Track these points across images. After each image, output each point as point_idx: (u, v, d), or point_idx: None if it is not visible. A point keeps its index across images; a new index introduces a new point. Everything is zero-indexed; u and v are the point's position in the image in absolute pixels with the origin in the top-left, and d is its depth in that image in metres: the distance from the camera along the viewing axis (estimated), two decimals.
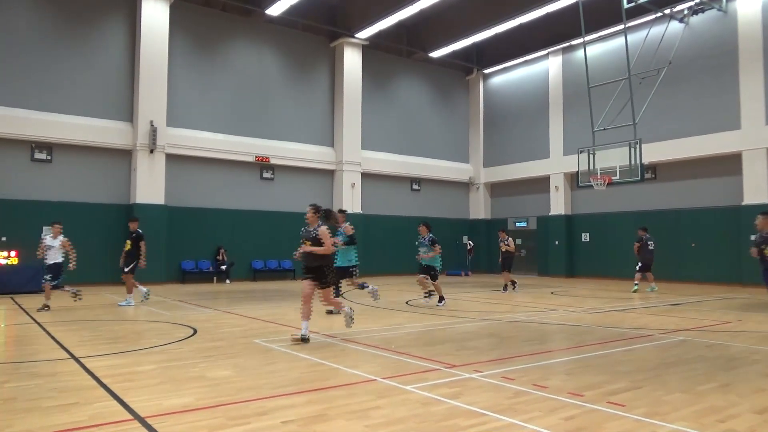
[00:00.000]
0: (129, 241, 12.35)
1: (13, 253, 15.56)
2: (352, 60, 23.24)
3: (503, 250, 16.00)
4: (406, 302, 13.15)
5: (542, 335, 8.62)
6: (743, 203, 18.08)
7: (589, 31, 19.37)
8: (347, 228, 11.12)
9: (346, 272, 11.19)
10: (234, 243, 20.34)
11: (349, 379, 5.54)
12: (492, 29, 22.29)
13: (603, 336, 8.24)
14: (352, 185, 23.05)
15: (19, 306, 12.03)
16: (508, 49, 25.11)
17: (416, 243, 12.98)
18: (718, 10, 18.89)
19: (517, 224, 26.11)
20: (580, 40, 19.88)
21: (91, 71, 18.16)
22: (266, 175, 21.56)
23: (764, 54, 17.80)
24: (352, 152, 23.12)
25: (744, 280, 17.62)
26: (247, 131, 21.03)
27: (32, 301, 12.82)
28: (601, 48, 21.93)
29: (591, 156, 17.29)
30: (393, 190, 25.11)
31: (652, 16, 19.67)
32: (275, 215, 21.49)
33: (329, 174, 23.22)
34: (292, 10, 20.18)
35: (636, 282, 15.90)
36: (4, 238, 16.22)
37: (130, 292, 12.34)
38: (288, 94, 22.28)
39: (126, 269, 12.26)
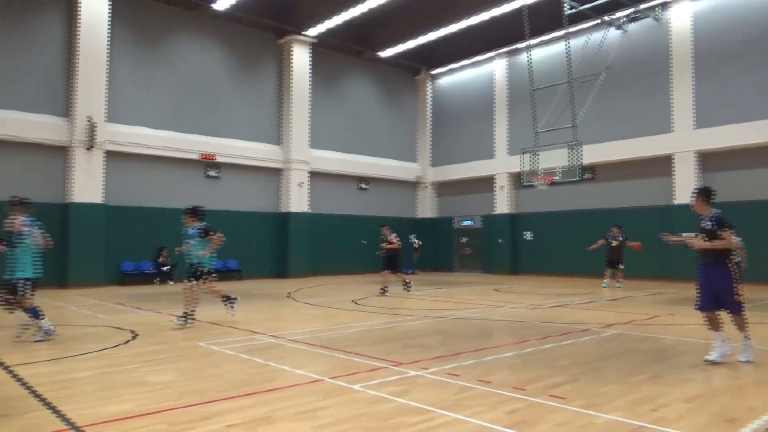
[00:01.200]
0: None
1: None
2: (300, 58, 23.02)
3: (385, 248, 14.56)
4: (353, 301, 13.16)
5: (486, 331, 8.82)
6: (674, 203, 19.04)
7: (533, 36, 19.90)
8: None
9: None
10: (177, 243, 19.65)
11: (296, 379, 5.51)
12: (440, 31, 22.58)
13: (544, 331, 8.51)
14: (300, 184, 22.85)
15: None
16: (456, 50, 25.50)
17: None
18: (653, 19, 19.81)
19: (463, 223, 26.57)
20: (524, 44, 20.40)
21: (25, 63, 17.21)
22: (212, 173, 21.06)
23: (694, 61, 18.79)
24: (300, 151, 22.92)
25: (674, 276, 18.56)
26: (192, 128, 20.48)
27: None
28: (544, 52, 22.59)
29: (534, 157, 17.82)
30: (341, 189, 25.06)
31: (592, 23, 20.43)
32: (221, 214, 20.99)
33: (277, 172, 22.94)
34: (239, 6, 19.79)
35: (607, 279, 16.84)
36: None
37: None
38: (235, 90, 21.85)
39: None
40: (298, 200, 22.74)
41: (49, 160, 17.61)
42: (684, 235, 6.63)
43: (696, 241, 6.24)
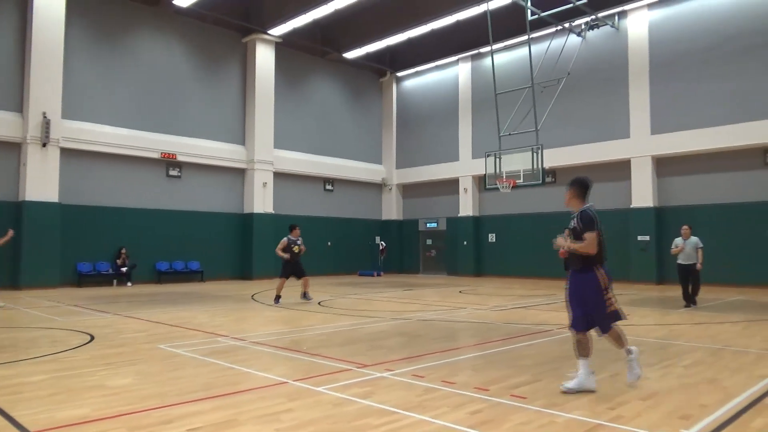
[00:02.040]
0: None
1: None
2: (264, 57, 22.79)
3: (297, 252, 13.09)
4: (318, 303, 13.10)
5: (451, 333, 8.90)
6: (631, 206, 19.61)
7: (496, 40, 20.22)
8: None
9: None
10: (137, 243, 19.30)
11: (260, 382, 5.44)
12: (405, 33, 22.72)
13: (507, 332, 8.64)
14: (264, 184, 22.61)
15: None
16: (421, 53, 25.68)
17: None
18: (611, 26, 20.37)
19: (428, 225, 26.76)
20: (487, 49, 20.69)
21: None
22: (173, 172, 20.64)
23: (650, 69, 19.41)
24: (264, 151, 22.68)
25: (631, 277, 19.11)
26: (153, 126, 20.03)
27: None
28: (507, 57, 22.96)
29: (497, 160, 18.08)
30: (306, 190, 24.90)
31: (554, 29, 20.88)
32: (182, 215, 20.65)
33: (240, 173, 22.64)
34: (202, 3, 19.48)
35: None
36: None
37: None
38: (197, 89, 21.47)
39: None
40: (262, 201, 22.50)
41: (1, 156, 16.96)
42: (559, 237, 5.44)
43: (560, 239, 5.34)
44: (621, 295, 15.17)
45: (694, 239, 11.71)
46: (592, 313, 5.10)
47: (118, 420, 4.22)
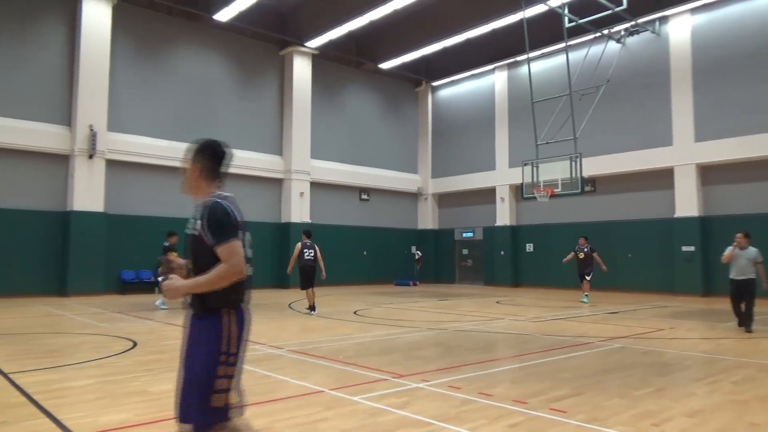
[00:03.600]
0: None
1: None
2: (301, 69, 23.14)
3: (305, 258, 12.59)
4: (354, 312, 13.11)
5: (488, 344, 8.78)
6: (675, 216, 19.04)
7: (533, 48, 20.03)
8: None
9: None
10: (178, 252, 19.70)
11: (297, 391, 5.47)
12: (440, 43, 22.73)
13: (546, 344, 8.46)
14: (301, 194, 22.87)
15: None
16: (456, 62, 25.64)
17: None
18: (652, 32, 19.93)
19: (464, 234, 26.56)
20: (524, 57, 20.51)
21: (27, 72, 17.30)
22: None
23: (693, 75, 18.88)
24: (301, 161, 22.96)
25: (676, 289, 18.52)
26: (192, 138, 20.14)
27: None
28: (544, 64, 22.70)
29: (534, 169, 17.84)
30: (342, 200, 25.07)
31: (592, 36, 20.55)
32: None
33: (278, 183, 22.97)
34: (240, 17, 19.92)
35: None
36: None
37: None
38: (236, 101, 21.93)
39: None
40: (298, 210, 22.75)
41: (51, 168, 17.64)
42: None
43: (174, 266, 3.19)
44: (665, 307, 14.69)
45: (752, 250, 9.95)
46: (186, 394, 2.82)
47: (158, 426, 4.30)
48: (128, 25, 19.18)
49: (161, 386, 5.58)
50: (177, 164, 19.97)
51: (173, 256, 12.40)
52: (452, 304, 15.61)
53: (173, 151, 19.83)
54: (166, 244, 13.64)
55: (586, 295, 15.82)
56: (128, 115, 19.08)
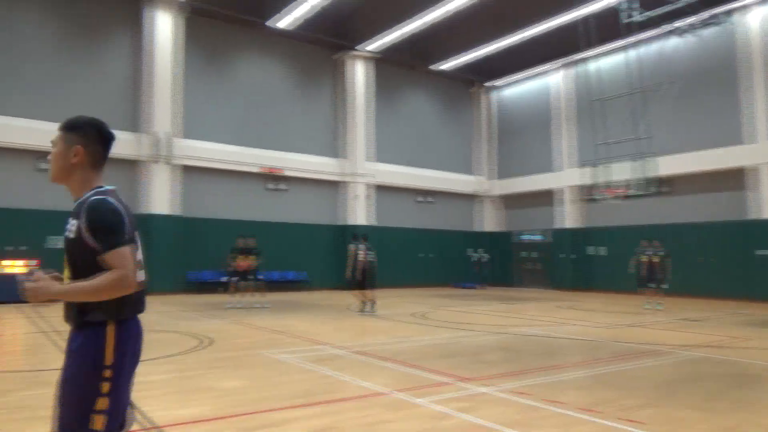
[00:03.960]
0: (253, 256, 14.44)
1: (23, 262, 15.66)
2: (359, 72, 23.40)
3: (369, 260, 13.22)
4: (416, 314, 13.10)
5: (554, 350, 8.55)
6: (753, 217, 17.90)
7: (595, 45, 19.38)
8: None
9: None
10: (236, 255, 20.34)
11: (360, 391, 5.51)
12: (499, 43, 22.38)
13: (616, 351, 8.15)
14: (360, 197, 23.11)
15: (29, 315, 12.10)
16: (516, 62, 25.18)
17: None
18: (721, 25, 18.81)
19: (527, 237, 26.02)
20: (586, 54, 19.90)
21: (102, 83, 18.35)
22: (275, 186, 21.65)
23: (766, 68, 17.69)
24: (361, 164, 23.20)
25: (754, 295, 17.40)
26: (257, 142, 21.16)
27: (44, 310, 12.88)
28: (608, 62, 21.91)
29: (600, 169, 17.24)
30: (402, 202, 25.14)
31: (658, 31, 19.64)
32: (285, 226, 21.55)
33: (338, 186, 23.29)
34: (300, 23, 20.36)
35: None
36: (10, 248, 16.29)
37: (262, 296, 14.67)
38: (297, 105, 22.43)
39: (260, 277, 14.63)
40: (359, 213, 22.99)
41: (126, 174, 18.61)
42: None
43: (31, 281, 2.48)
44: (742, 314, 13.82)
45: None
46: (63, 414, 2.37)
47: (228, 420, 4.45)
48: (196, 34, 20.00)
49: (230, 383, 5.76)
50: (244, 168, 20.75)
51: (236, 259, 12.82)
52: (516, 308, 15.31)
53: (239, 156, 20.57)
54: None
55: (659, 303, 14.98)
56: (197, 121, 19.88)
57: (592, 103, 19.14)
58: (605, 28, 19.86)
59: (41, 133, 16.98)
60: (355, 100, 23.24)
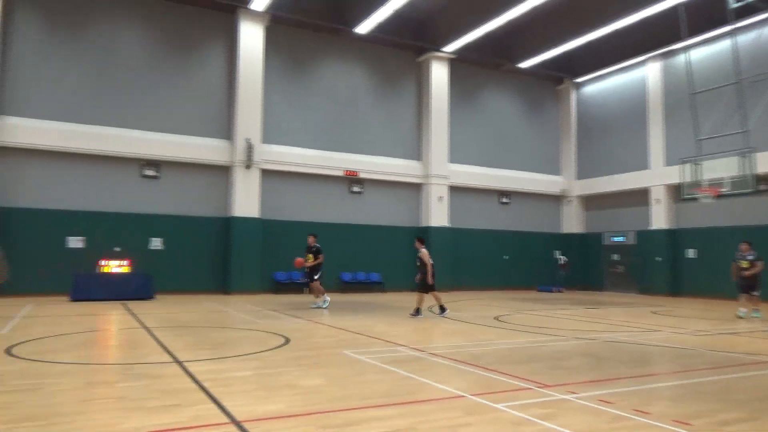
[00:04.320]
0: (311, 255, 14.30)
1: (125, 262, 16.84)
2: (439, 74, 23.31)
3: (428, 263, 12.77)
4: (495, 318, 12.85)
5: (644, 357, 8.10)
6: None
7: (691, 35, 18.21)
8: None
9: None
10: (324, 255, 20.79)
11: (438, 394, 5.47)
12: (584, 37, 21.52)
13: (713, 360, 7.61)
14: (440, 198, 23.00)
15: (130, 311, 12.98)
16: (602, 56, 24.16)
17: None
18: None
19: (614, 239, 24.87)
20: (681, 45, 18.73)
21: (194, 93, 19.45)
22: (355, 188, 22.00)
23: None
24: (440, 165, 23.10)
25: None
26: (337, 146, 21.60)
27: (142, 307, 13.80)
28: (705, 52, 20.55)
29: (696, 166, 16.17)
30: (481, 204, 24.79)
31: (762, 16, 18.16)
32: (364, 228, 21.85)
33: (417, 187, 23.31)
34: (379, 28, 20.56)
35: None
36: (118, 249, 17.63)
37: (318, 296, 14.50)
38: (376, 109, 22.69)
39: (315, 278, 14.31)
40: (438, 215, 22.90)
41: (215, 178, 19.60)
42: None
43: None
44: None
45: None
46: None
47: (308, 418, 4.55)
48: (279, 43, 20.72)
49: (310, 381, 5.90)
50: (326, 172, 21.25)
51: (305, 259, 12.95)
52: (602, 313, 14.67)
53: (320, 160, 21.10)
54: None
55: (756, 310, 13.77)
56: (280, 127, 20.59)
57: (686, 97, 18.01)
58: (704, 16, 18.66)
59: (145, 142, 18.40)
60: (436, 102, 23.18)
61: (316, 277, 14.38)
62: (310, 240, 14.58)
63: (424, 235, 22.74)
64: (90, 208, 17.66)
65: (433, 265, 12.80)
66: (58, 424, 4.30)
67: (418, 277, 13.00)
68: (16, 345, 7.90)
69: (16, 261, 16.54)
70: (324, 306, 14.40)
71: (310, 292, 14.95)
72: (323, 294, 14.55)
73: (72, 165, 17.57)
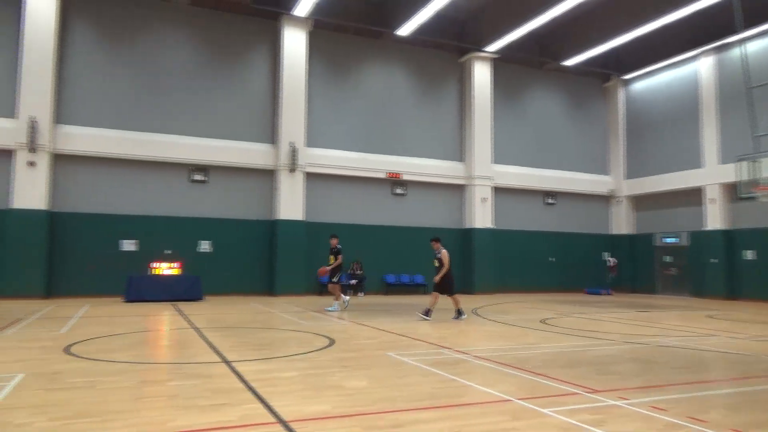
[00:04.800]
0: (332, 256, 14.14)
1: (176, 264, 17.35)
2: (481, 74, 23.09)
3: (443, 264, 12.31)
4: (541, 321, 12.62)
5: (698, 363, 7.80)
6: None
7: (747, 26, 17.44)
8: None
9: None
10: (368, 257, 20.94)
11: (483, 397, 5.41)
12: (632, 32, 20.92)
13: None
14: (484, 200, 22.77)
15: (180, 312, 13.37)
16: (651, 52, 23.43)
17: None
18: None
19: (666, 240, 24.05)
20: (736, 38, 17.97)
21: (240, 99, 19.90)
22: (398, 190, 22.02)
23: None
24: (483, 166, 22.87)
25: None
26: (379, 148, 21.69)
27: (191, 308, 14.19)
28: (761, 44, 19.66)
29: (753, 164, 15.46)
30: (526, 205, 24.41)
31: None
32: (407, 230, 21.84)
33: (460, 189, 23.15)
34: (421, 29, 20.53)
35: None
36: (168, 251, 18.18)
37: (338, 299, 14.28)
38: (418, 111, 22.66)
39: (334, 280, 14.09)
40: (481, 216, 22.67)
41: (260, 182, 19.99)
42: None
43: None
44: None
45: None
46: None
47: (353, 419, 4.57)
48: (321, 48, 20.97)
49: (356, 382, 5.93)
50: (368, 174, 21.39)
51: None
52: (653, 317, 14.20)
53: (363, 162, 21.23)
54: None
55: None
56: (323, 130, 20.83)
57: (742, 92, 17.26)
58: (755, 8, 17.87)
59: (194, 147, 18.97)
60: (479, 102, 22.99)
61: (334, 280, 14.10)
62: (333, 242, 14.35)
63: (467, 236, 22.65)
64: (142, 212, 18.30)
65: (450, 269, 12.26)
66: (112, 421, 4.46)
67: (437, 278, 12.39)
68: (74, 344, 8.25)
69: (74, 264, 17.32)
70: (339, 309, 14.01)
71: (332, 292, 14.51)
72: (341, 296, 14.37)
73: (125, 171, 18.25)
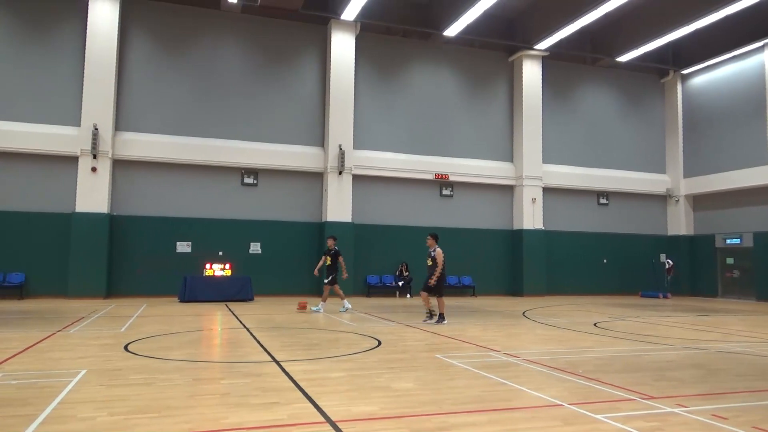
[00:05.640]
0: (328, 257, 14.04)
1: (227, 266, 17.80)
2: (531, 72, 22.69)
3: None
4: (595, 324, 12.28)
5: (763, 370, 7.40)
6: None
7: None
8: None
9: None
10: (415, 259, 20.87)
11: (533, 401, 5.31)
12: (690, 25, 20.07)
13: None
14: (533, 200, 22.35)
15: (232, 312, 13.70)
16: (712, 45, 22.44)
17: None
18: None
19: (728, 241, 22.96)
20: None
21: (290, 103, 20.26)
22: (445, 192, 21.89)
23: None
24: (533, 166, 22.45)
25: None
26: (427, 150, 21.62)
27: (242, 308, 14.53)
28: None
29: None
30: (578, 205, 23.80)
31: None
32: (455, 232, 21.66)
33: (509, 189, 22.81)
34: (469, 29, 20.34)
35: None
36: (221, 253, 18.69)
37: (342, 299, 14.37)
38: (466, 111, 22.47)
39: (326, 281, 14.01)
40: (531, 217, 22.27)
41: (310, 184, 20.29)
42: None
43: None
44: None
45: None
46: None
47: (401, 420, 4.57)
48: (369, 51, 21.11)
49: (403, 384, 5.92)
50: (416, 176, 21.36)
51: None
52: (715, 321, 13.58)
53: (410, 164, 21.22)
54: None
55: None
56: (371, 132, 20.94)
57: None
58: None
59: (245, 151, 19.47)
60: (529, 102, 22.61)
61: (326, 281, 13.98)
62: (330, 242, 14.18)
63: (516, 238, 22.28)
64: (196, 215, 18.88)
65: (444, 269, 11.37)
66: (169, 416, 4.62)
67: (432, 281, 11.41)
68: (133, 342, 8.58)
69: (132, 265, 18.04)
70: (322, 310, 13.91)
71: (336, 293, 14.29)
72: (325, 300, 14.28)
73: (180, 175, 18.88)
